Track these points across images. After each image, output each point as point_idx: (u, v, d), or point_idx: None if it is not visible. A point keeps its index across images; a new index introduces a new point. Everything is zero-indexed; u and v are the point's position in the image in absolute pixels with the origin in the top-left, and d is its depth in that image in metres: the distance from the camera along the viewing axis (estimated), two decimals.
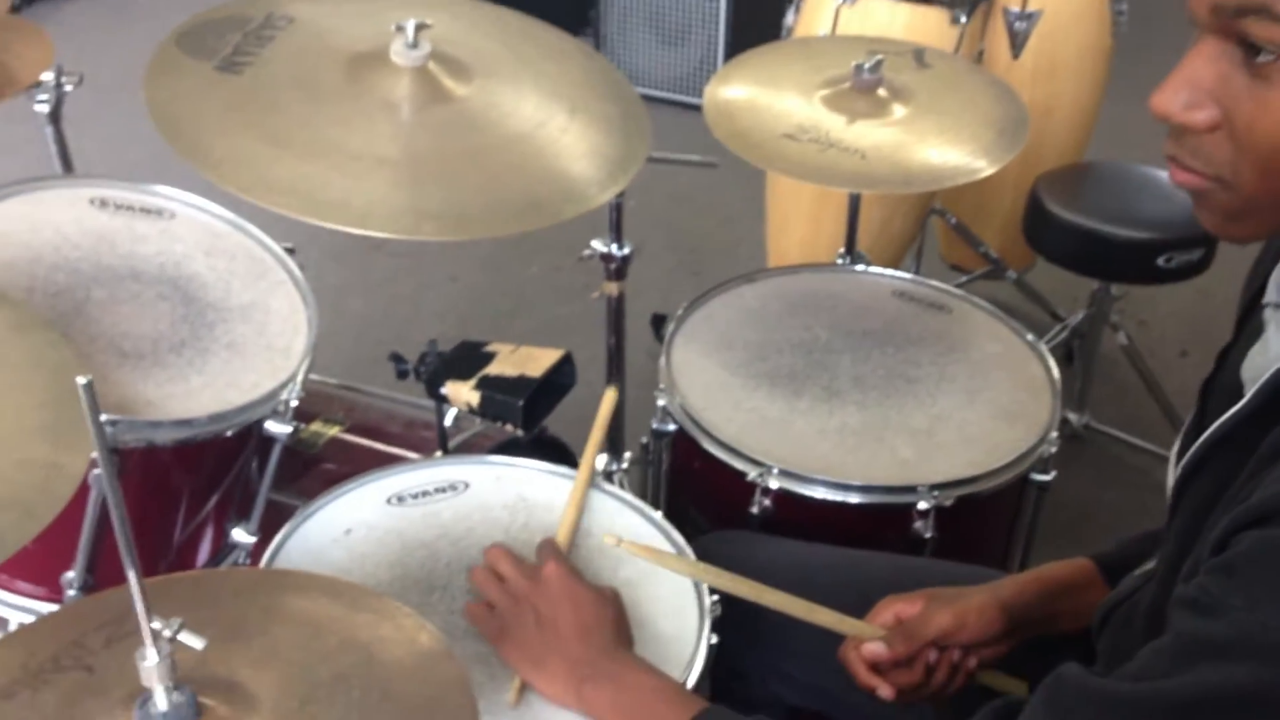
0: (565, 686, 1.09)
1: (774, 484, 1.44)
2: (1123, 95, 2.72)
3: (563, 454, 1.62)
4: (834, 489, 1.43)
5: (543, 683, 1.10)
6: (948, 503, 1.43)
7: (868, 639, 1.19)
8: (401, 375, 1.54)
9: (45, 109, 1.67)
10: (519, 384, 1.47)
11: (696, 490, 1.61)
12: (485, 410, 1.47)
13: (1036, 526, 1.64)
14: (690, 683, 1.14)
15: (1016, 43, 2.56)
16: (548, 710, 1.10)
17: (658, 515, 1.33)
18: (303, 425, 1.80)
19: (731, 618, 1.22)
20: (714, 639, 1.18)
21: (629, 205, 1.73)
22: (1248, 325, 0.96)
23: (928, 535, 1.43)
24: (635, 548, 1.24)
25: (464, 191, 1.29)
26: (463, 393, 1.47)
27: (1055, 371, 1.62)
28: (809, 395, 1.56)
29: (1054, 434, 1.53)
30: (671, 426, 1.58)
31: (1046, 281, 2.91)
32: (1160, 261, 2.29)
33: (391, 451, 1.77)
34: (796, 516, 1.45)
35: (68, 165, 1.75)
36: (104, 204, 1.55)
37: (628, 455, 2.03)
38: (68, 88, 1.67)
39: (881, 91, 1.69)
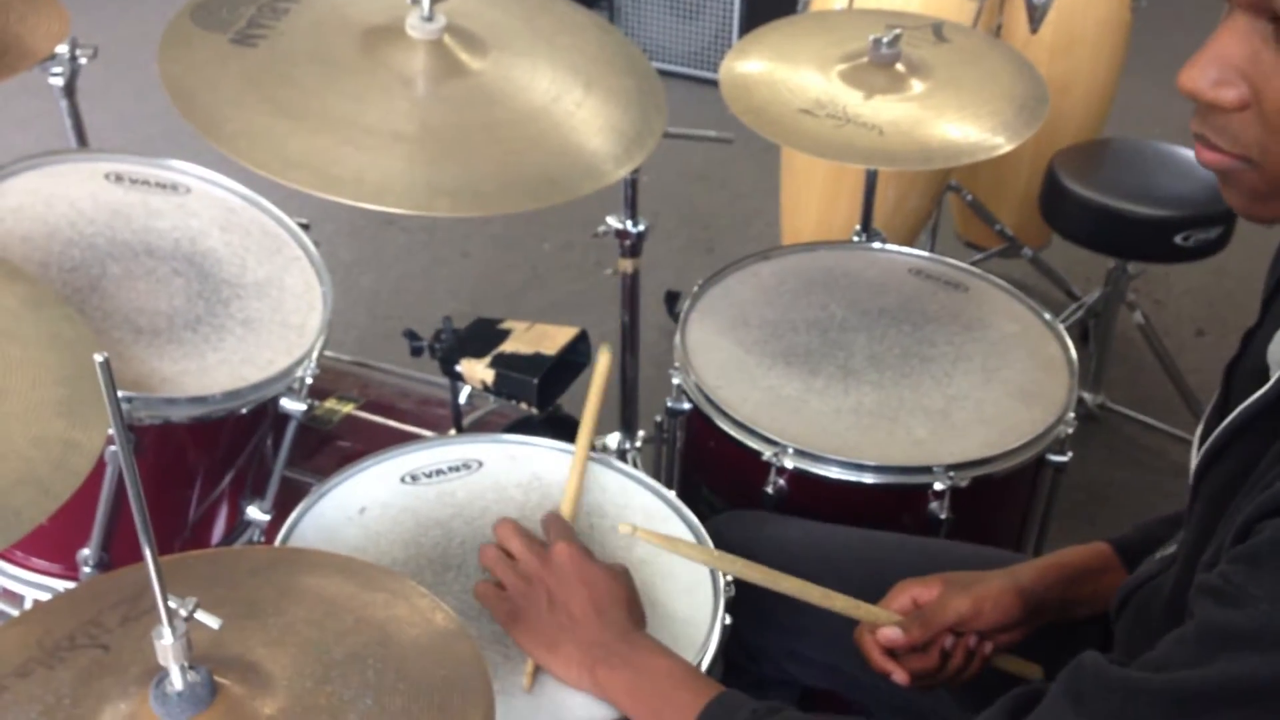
0: (579, 669, 1.08)
1: (789, 464, 1.43)
2: (1141, 71, 2.70)
3: (576, 432, 1.62)
4: (849, 469, 1.42)
5: (556, 665, 1.10)
6: (963, 483, 1.42)
7: (883, 624, 1.18)
8: (416, 352, 1.53)
9: (60, 82, 1.67)
10: (534, 362, 1.46)
11: (711, 469, 1.61)
12: (500, 388, 1.47)
13: (1052, 507, 1.63)
14: (704, 664, 1.14)
15: (1035, 17, 2.53)
16: (562, 692, 1.10)
17: (671, 494, 1.33)
18: (317, 402, 1.80)
19: (745, 598, 1.21)
20: (728, 620, 1.18)
21: (643, 181, 1.72)
22: (1274, 307, 0.95)
23: (943, 516, 1.42)
24: (650, 535, 1.23)
25: (479, 167, 1.28)
26: (477, 370, 1.47)
27: (1073, 351, 1.61)
28: (824, 374, 1.56)
29: (1071, 415, 1.52)
30: (686, 405, 1.57)
31: (1062, 259, 2.90)
32: (1178, 239, 2.27)
33: (406, 429, 1.77)
34: (811, 496, 1.44)
35: (82, 139, 1.75)
36: (119, 179, 1.55)
37: (641, 434, 2.03)
38: (82, 61, 1.66)
39: (899, 66, 1.68)
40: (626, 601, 1.14)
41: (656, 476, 1.45)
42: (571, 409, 1.71)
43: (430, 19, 1.34)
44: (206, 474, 1.48)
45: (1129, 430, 2.60)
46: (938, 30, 1.80)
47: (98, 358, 0.71)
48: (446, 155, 1.28)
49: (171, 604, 0.77)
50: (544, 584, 1.13)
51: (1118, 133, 2.65)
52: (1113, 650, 1.05)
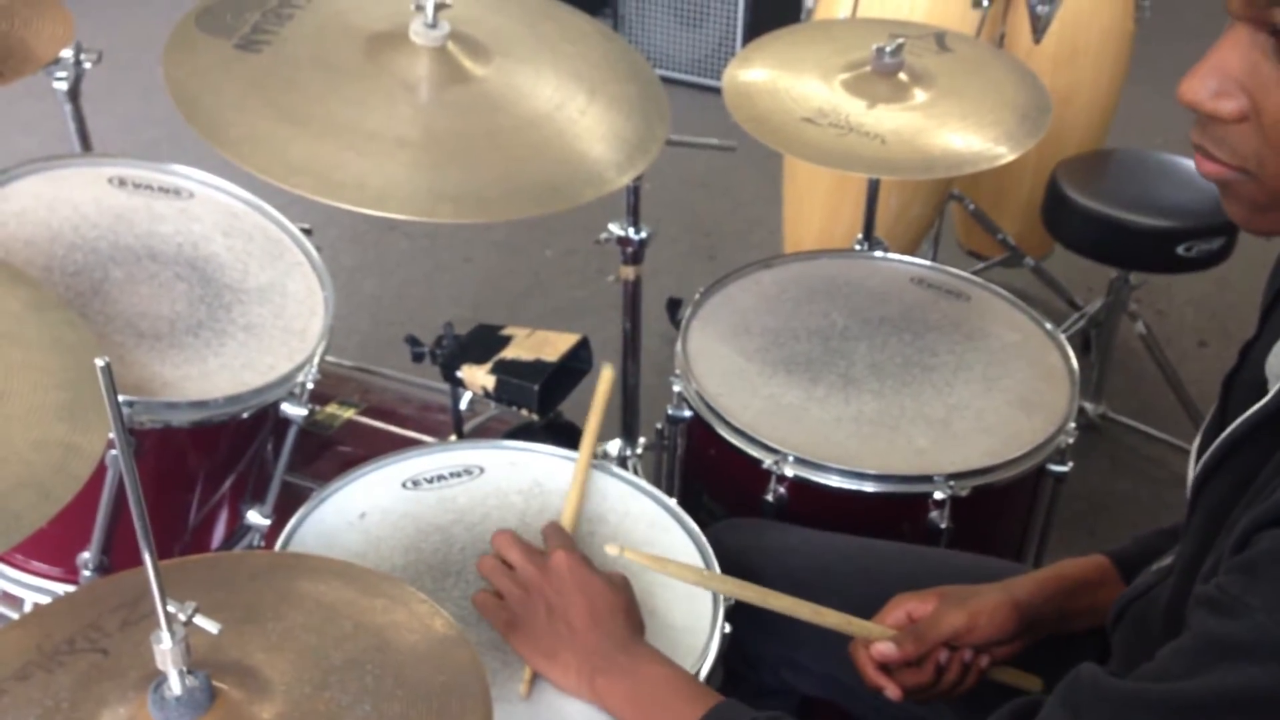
0: (578, 678, 1.08)
1: (789, 472, 1.43)
2: (1144, 81, 2.70)
3: (578, 439, 1.62)
4: (849, 478, 1.42)
5: (555, 674, 1.10)
6: (964, 493, 1.42)
7: (876, 639, 1.18)
8: (417, 358, 1.53)
9: (64, 86, 1.67)
10: (535, 368, 1.46)
11: (711, 477, 1.61)
12: (501, 394, 1.47)
13: (1053, 517, 1.63)
14: (703, 673, 1.13)
15: (1038, 27, 2.53)
16: (559, 700, 1.10)
17: (672, 501, 1.33)
18: (318, 407, 1.80)
19: (744, 607, 1.21)
20: (727, 628, 1.18)
21: (645, 188, 1.73)
22: (1272, 319, 0.95)
23: (943, 525, 1.42)
24: (638, 556, 1.21)
25: (481, 173, 1.28)
26: (478, 376, 1.47)
27: (1074, 361, 1.61)
28: (825, 382, 1.56)
29: (1071, 425, 1.52)
30: (687, 412, 1.57)
31: (1064, 269, 2.90)
32: (1180, 250, 2.27)
33: (406, 435, 1.77)
34: (811, 505, 1.44)
35: (86, 143, 1.75)
36: (122, 183, 1.55)
37: (642, 441, 2.03)
38: (87, 65, 1.67)
39: (902, 75, 1.68)
40: (625, 610, 1.13)
41: (657, 484, 1.45)
42: (572, 415, 1.71)
43: (434, 25, 1.34)
44: (207, 478, 1.49)
45: (1130, 441, 2.60)
46: (940, 40, 1.80)
47: (99, 362, 0.71)
48: (449, 161, 1.28)
49: (170, 608, 0.77)
50: (542, 593, 1.13)
51: (1120, 143, 2.65)
52: (1110, 662, 1.05)
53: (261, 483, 1.53)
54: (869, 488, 1.43)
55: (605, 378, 1.41)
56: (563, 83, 1.41)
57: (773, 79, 1.69)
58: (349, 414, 1.80)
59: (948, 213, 2.80)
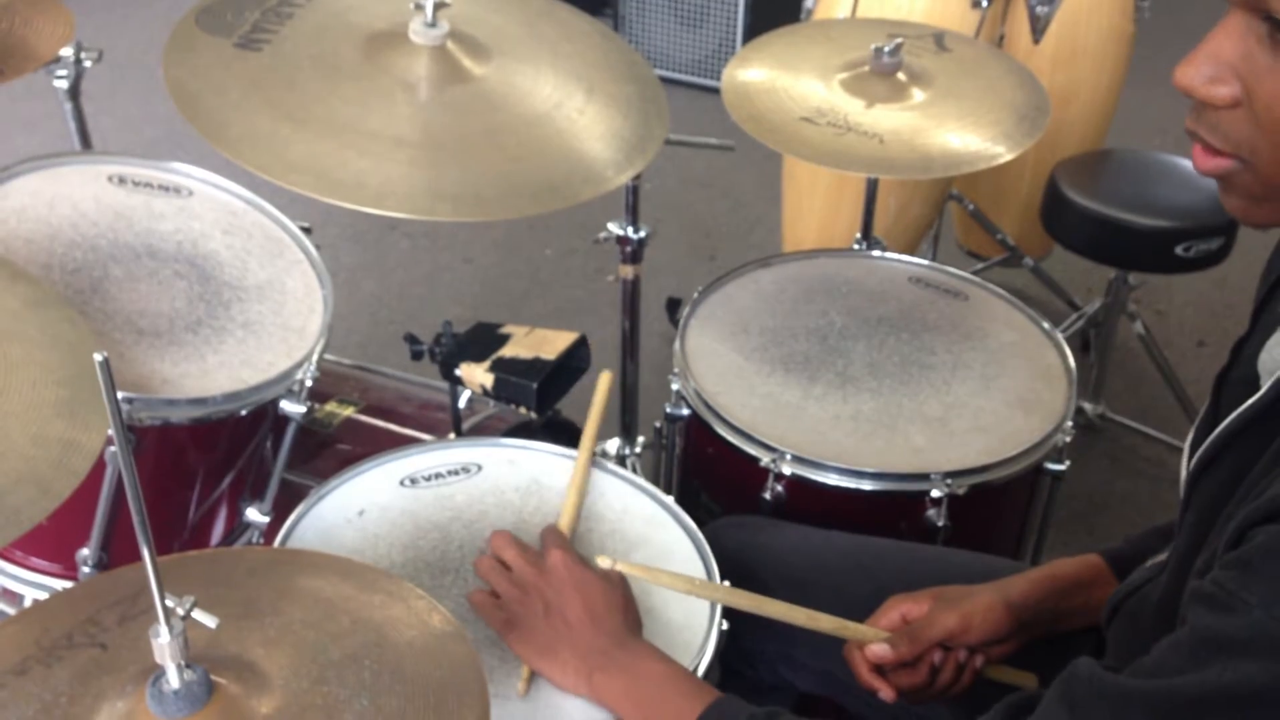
0: (576, 676, 1.08)
1: (787, 470, 1.43)
2: (1144, 82, 2.70)
3: (576, 437, 1.62)
4: (847, 476, 1.43)
5: (553, 672, 1.10)
6: (961, 491, 1.42)
7: (870, 642, 1.18)
8: (416, 356, 1.54)
9: (64, 85, 1.67)
10: (533, 366, 1.47)
11: (709, 475, 1.61)
12: (499, 392, 1.47)
13: (1050, 516, 1.63)
14: (701, 669, 1.14)
15: (1037, 28, 2.54)
16: (558, 698, 1.10)
17: (669, 499, 1.33)
18: (317, 405, 1.80)
19: None
20: (724, 625, 1.18)
21: (645, 188, 1.73)
22: (1264, 317, 0.95)
23: (940, 524, 1.42)
24: (630, 567, 1.19)
25: (480, 172, 1.29)
26: (477, 375, 1.48)
27: (1071, 360, 1.61)
28: (823, 381, 1.56)
29: (1069, 423, 1.52)
30: (685, 411, 1.57)
31: (1063, 270, 2.90)
32: (1179, 250, 2.28)
33: (405, 433, 1.77)
34: (809, 503, 1.44)
35: (87, 142, 1.75)
36: (122, 181, 1.55)
37: (641, 439, 2.04)
38: (87, 64, 1.67)
39: (901, 75, 1.69)
40: (623, 607, 1.14)
41: (655, 482, 1.46)
42: (570, 414, 1.71)
43: (433, 25, 1.35)
44: (206, 475, 1.49)
45: (1129, 440, 2.60)
46: (939, 40, 1.81)
47: (97, 357, 0.71)
48: (448, 160, 1.28)
49: (169, 603, 0.77)
50: (539, 591, 1.13)
51: (1119, 143, 2.65)
52: (1105, 658, 1.06)
53: (261, 480, 1.54)
54: (866, 486, 1.43)
55: (603, 383, 1.42)
56: (561, 82, 1.42)
57: (771, 79, 1.69)
58: (348, 412, 1.80)
59: (947, 213, 2.81)
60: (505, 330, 1.54)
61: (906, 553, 1.37)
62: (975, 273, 1.81)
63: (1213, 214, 2.27)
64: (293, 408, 1.42)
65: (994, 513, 1.56)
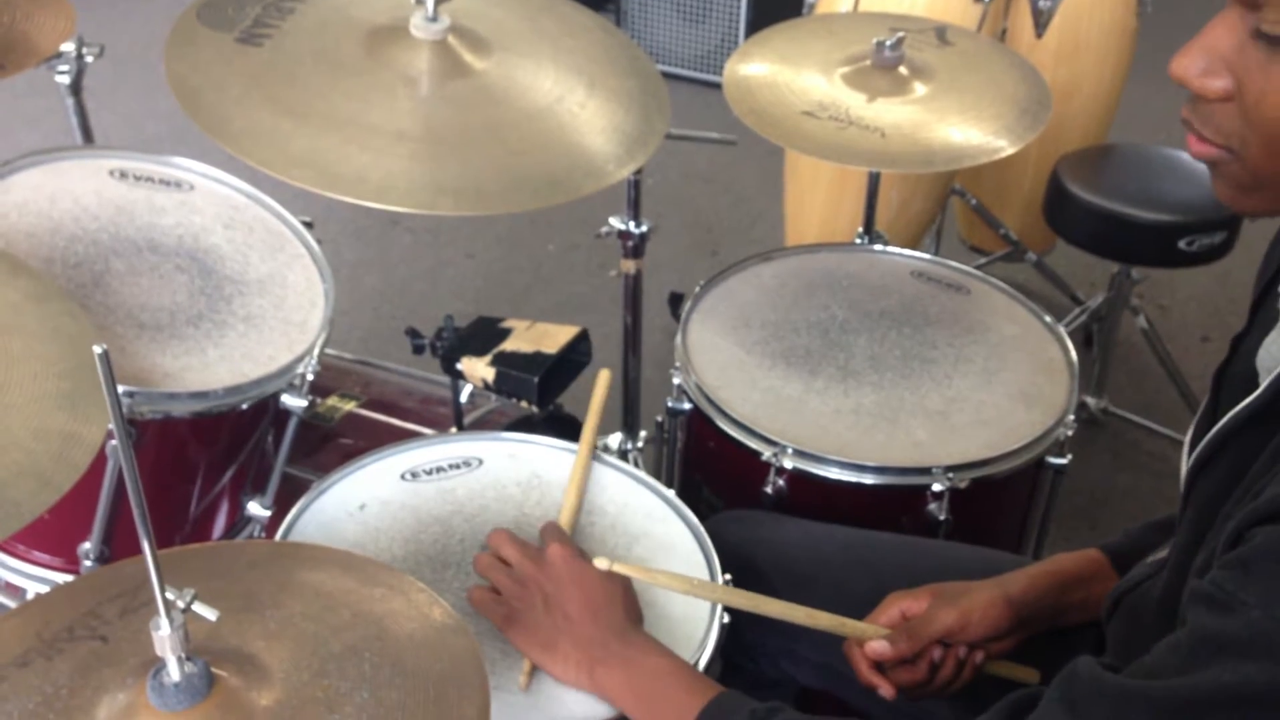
0: (577, 669, 1.08)
1: (788, 464, 1.43)
2: (1147, 77, 2.69)
3: (577, 431, 1.63)
4: (848, 470, 1.43)
5: (554, 666, 1.10)
6: (963, 485, 1.42)
7: (870, 639, 1.18)
8: (418, 350, 1.54)
9: (66, 80, 1.67)
10: (535, 360, 1.47)
11: (711, 469, 1.61)
12: (500, 386, 1.47)
13: (1052, 510, 1.63)
14: (702, 663, 1.14)
15: (1040, 22, 2.53)
16: (559, 690, 1.10)
17: (671, 493, 1.33)
18: (319, 399, 1.80)
19: None
20: (725, 618, 1.18)
21: (647, 183, 1.73)
22: (1262, 313, 0.95)
23: (942, 517, 1.42)
24: (628, 568, 1.18)
25: (482, 167, 1.29)
26: (478, 369, 1.48)
27: (1073, 354, 1.61)
28: (825, 375, 1.56)
29: (1070, 417, 1.52)
30: (687, 405, 1.57)
31: (1066, 264, 2.90)
32: (1182, 244, 2.27)
33: (407, 427, 1.78)
34: (810, 497, 1.44)
35: (88, 136, 1.76)
36: (123, 175, 1.56)
37: (643, 433, 2.04)
38: (89, 59, 1.67)
39: (902, 69, 1.68)
40: (623, 600, 1.14)
41: (657, 476, 1.46)
42: (571, 408, 1.72)
43: (434, 19, 1.35)
44: (207, 469, 1.49)
45: (1132, 435, 2.60)
46: (941, 34, 1.80)
47: (96, 350, 0.71)
48: (450, 155, 1.28)
49: (169, 595, 0.77)
50: (539, 586, 1.13)
51: (1122, 138, 2.65)
52: (1105, 654, 1.06)
53: (262, 474, 1.54)
54: (868, 480, 1.43)
55: (602, 381, 1.42)
56: (563, 76, 1.42)
57: (773, 73, 1.69)
58: (350, 406, 1.81)
59: (949, 207, 2.81)
60: (507, 324, 1.54)
61: (908, 547, 1.37)
62: (978, 267, 1.81)
63: (1215, 208, 2.26)
64: (294, 402, 1.42)
65: (995, 507, 1.56)
